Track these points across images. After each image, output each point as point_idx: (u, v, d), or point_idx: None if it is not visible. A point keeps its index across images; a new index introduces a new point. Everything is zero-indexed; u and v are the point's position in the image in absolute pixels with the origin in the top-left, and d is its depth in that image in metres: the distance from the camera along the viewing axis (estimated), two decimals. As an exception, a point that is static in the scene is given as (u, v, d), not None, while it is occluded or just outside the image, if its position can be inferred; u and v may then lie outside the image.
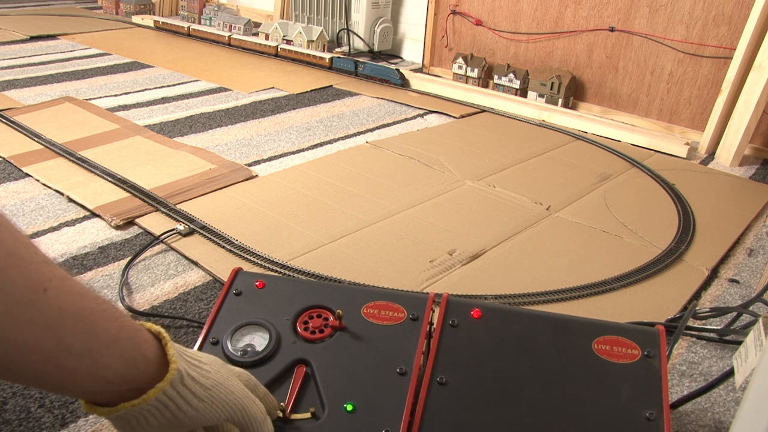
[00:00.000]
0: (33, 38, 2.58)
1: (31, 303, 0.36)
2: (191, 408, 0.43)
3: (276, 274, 0.98)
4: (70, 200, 1.20)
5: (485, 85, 2.19)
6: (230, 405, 0.46)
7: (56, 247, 1.04)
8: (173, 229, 1.08)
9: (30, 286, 0.36)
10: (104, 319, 0.40)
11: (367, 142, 1.59)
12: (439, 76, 2.31)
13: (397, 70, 2.10)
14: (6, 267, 0.35)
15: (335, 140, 1.59)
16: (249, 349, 0.59)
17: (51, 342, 0.37)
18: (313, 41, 2.46)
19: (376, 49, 2.51)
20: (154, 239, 1.06)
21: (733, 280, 1.04)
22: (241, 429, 0.48)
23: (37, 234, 1.08)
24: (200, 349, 0.60)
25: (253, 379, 0.52)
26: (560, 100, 1.96)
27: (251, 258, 1.01)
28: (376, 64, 2.18)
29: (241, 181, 1.31)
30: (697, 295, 0.99)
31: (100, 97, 1.85)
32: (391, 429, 0.53)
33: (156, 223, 1.12)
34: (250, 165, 1.41)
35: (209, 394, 0.45)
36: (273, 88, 2.04)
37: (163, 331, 0.45)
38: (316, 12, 2.63)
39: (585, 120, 1.80)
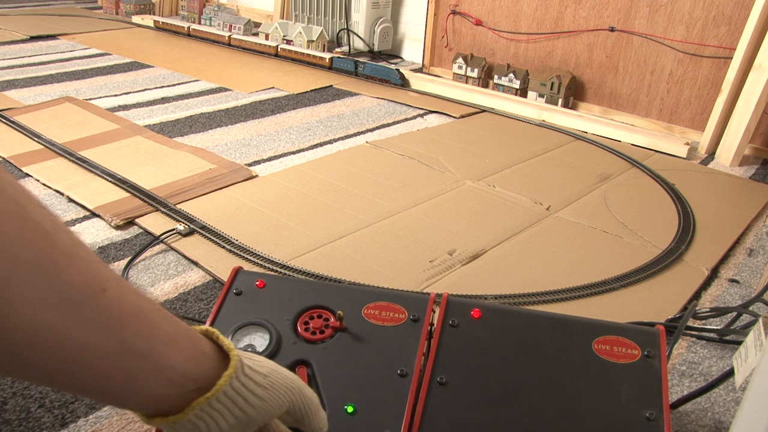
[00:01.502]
0: (33, 38, 2.58)
1: (91, 303, 0.35)
2: (257, 398, 0.42)
3: (276, 274, 0.98)
4: (70, 200, 1.20)
5: (485, 85, 2.19)
6: (290, 389, 0.45)
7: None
8: (173, 229, 1.08)
9: (89, 286, 0.35)
10: (161, 317, 0.39)
11: (367, 142, 1.59)
12: (439, 76, 2.31)
13: (397, 70, 2.10)
14: (65, 267, 0.34)
15: (335, 140, 1.59)
16: (249, 349, 0.59)
17: (114, 343, 0.36)
18: (313, 41, 2.46)
19: (376, 49, 2.51)
20: (154, 239, 1.06)
21: (733, 280, 1.04)
22: (299, 416, 0.47)
23: (37, 234, 1.08)
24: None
25: None
26: (560, 100, 1.96)
27: (251, 258, 1.01)
28: (376, 64, 2.18)
29: (241, 181, 1.31)
30: (697, 295, 0.99)
31: (100, 97, 1.85)
32: (392, 430, 0.53)
33: (156, 223, 1.12)
34: (250, 165, 1.41)
35: (269, 381, 0.44)
36: (273, 88, 2.04)
37: (210, 328, 0.44)
38: (316, 12, 2.63)
39: (585, 120, 1.80)
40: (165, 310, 0.40)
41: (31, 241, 0.32)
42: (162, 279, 0.96)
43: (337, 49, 2.56)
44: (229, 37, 2.56)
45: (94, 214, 1.15)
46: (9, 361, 0.33)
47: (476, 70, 2.17)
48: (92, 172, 1.31)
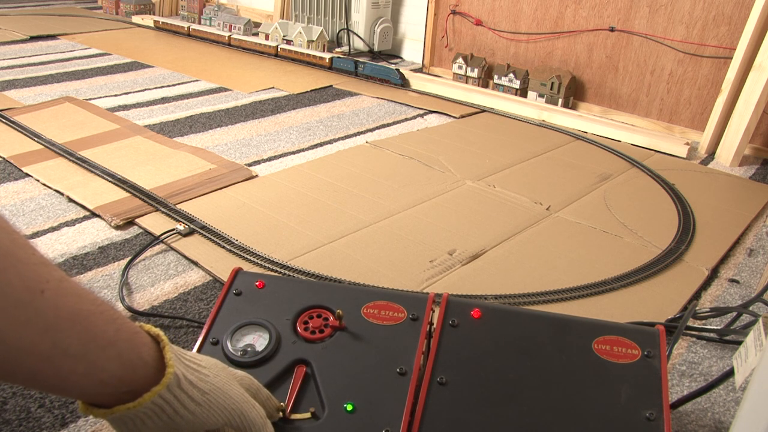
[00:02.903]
0: (33, 38, 2.58)
1: (28, 304, 0.36)
2: (188, 412, 0.43)
3: (276, 274, 0.98)
4: (70, 200, 1.20)
5: (485, 85, 2.19)
6: (228, 410, 0.46)
7: (56, 247, 1.04)
8: (173, 229, 1.08)
9: (27, 288, 0.36)
10: (102, 321, 0.40)
11: (367, 142, 1.59)
12: (439, 76, 2.31)
13: (397, 70, 2.10)
14: (3, 268, 0.35)
15: (335, 140, 1.59)
16: (249, 349, 0.59)
17: (47, 344, 0.37)
18: (313, 41, 2.46)
19: (376, 49, 2.51)
20: (154, 239, 1.06)
21: (733, 280, 1.04)
22: None
23: (37, 234, 1.08)
24: (200, 349, 0.60)
25: (256, 382, 0.52)
26: (560, 100, 1.96)
27: (251, 258, 1.01)
28: (376, 64, 2.18)
29: (241, 181, 1.31)
30: (697, 295, 0.99)
31: (100, 97, 1.85)
32: (391, 429, 0.53)
33: (156, 223, 1.12)
34: (250, 165, 1.41)
35: (207, 399, 0.45)
36: (273, 88, 2.04)
37: (161, 333, 0.45)
38: (316, 12, 2.63)
39: (585, 120, 1.80)
40: (112, 312, 0.41)
41: None
42: (162, 279, 0.96)
43: (337, 49, 2.56)
44: (229, 37, 2.56)
45: (94, 214, 1.15)
46: None
47: (476, 70, 2.17)
48: (92, 172, 1.31)
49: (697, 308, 0.94)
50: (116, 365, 0.40)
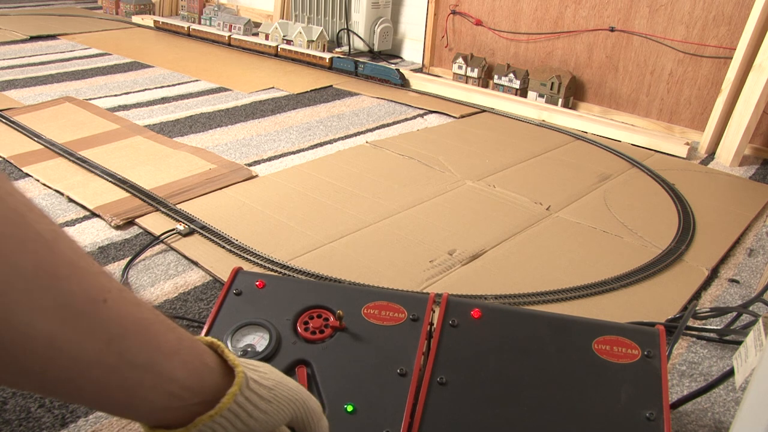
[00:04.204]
0: (33, 38, 2.58)
1: (91, 314, 0.34)
2: (261, 412, 0.42)
3: (276, 274, 0.98)
4: (70, 200, 1.20)
5: (485, 85, 2.19)
6: (293, 402, 0.45)
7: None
8: (173, 229, 1.08)
9: (89, 297, 0.34)
10: (164, 329, 0.38)
11: (367, 142, 1.59)
12: (439, 76, 2.31)
13: (397, 70, 2.10)
14: (65, 277, 0.33)
15: (335, 140, 1.59)
16: (249, 349, 0.59)
17: (113, 354, 0.35)
18: (313, 41, 2.46)
19: (376, 49, 2.51)
20: (154, 239, 1.06)
21: (733, 280, 1.04)
22: (301, 426, 0.47)
23: (37, 234, 1.08)
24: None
25: None
26: (560, 100, 1.96)
27: (251, 258, 1.01)
28: (376, 64, 2.18)
29: (241, 181, 1.31)
30: (697, 295, 0.99)
31: (100, 97, 1.85)
32: (392, 429, 0.53)
33: (156, 223, 1.12)
34: (250, 165, 1.41)
35: (273, 394, 0.43)
36: (273, 88, 2.04)
37: (215, 340, 0.44)
38: (316, 12, 2.63)
39: (585, 120, 1.80)
40: (169, 321, 0.40)
41: (31, 251, 0.32)
42: (162, 279, 0.96)
43: (337, 49, 2.56)
44: (229, 37, 2.56)
45: (94, 214, 1.15)
46: (6, 369, 0.33)
47: (476, 70, 2.17)
48: (92, 172, 1.31)
49: (697, 308, 0.94)
50: (184, 374, 0.39)
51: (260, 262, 1.00)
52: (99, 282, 0.35)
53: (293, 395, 0.45)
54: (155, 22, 2.86)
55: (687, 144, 1.63)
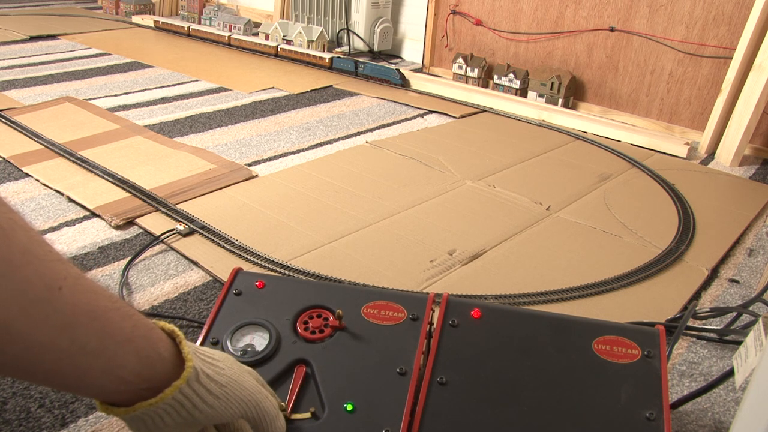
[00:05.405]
0: (33, 38, 2.58)
1: (46, 301, 0.35)
2: (207, 406, 0.43)
3: (276, 274, 0.98)
4: (70, 200, 1.20)
5: (485, 85, 2.19)
6: (245, 401, 0.46)
7: (56, 247, 1.04)
8: (173, 229, 1.08)
9: (45, 285, 0.36)
10: (119, 317, 0.40)
11: (367, 142, 1.59)
12: (439, 76, 2.31)
13: (397, 70, 2.10)
14: (21, 265, 0.35)
15: (335, 140, 1.59)
16: (249, 349, 0.59)
17: (65, 340, 0.36)
18: (313, 41, 2.46)
19: (376, 49, 2.51)
20: (154, 239, 1.06)
21: (733, 280, 1.04)
22: (254, 425, 0.48)
23: (37, 234, 1.08)
24: (200, 349, 0.60)
25: (260, 377, 0.52)
26: (560, 100, 1.96)
27: (251, 258, 1.01)
28: (376, 64, 2.18)
29: (241, 181, 1.31)
30: (697, 295, 0.99)
31: (100, 97, 1.85)
32: (391, 429, 0.53)
33: (156, 223, 1.12)
34: (250, 165, 1.41)
35: (224, 391, 0.45)
36: (273, 88, 2.04)
37: (176, 329, 0.45)
38: (316, 12, 2.63)
39: (585, 120, 1.80)
40: (127, 308, 0.41)
41: None
42: (162, 279, 0.96)
43: (337, 49, 2.56)
44: (229, 37, 2.56)
45: (94, 214, 1.15)
46: None
47: (476, 70, 2.17)
48: (92, 172, 1.31)
49: (697, 308, 0.94)
50: (134, 361, 0.40)
51: (260, 262, 1.00)
52: (55, 269, 0.37)
53: (246, 395, 0.46)
54: (155, 22, 2.86)
55: (687, 144, 1.63)
